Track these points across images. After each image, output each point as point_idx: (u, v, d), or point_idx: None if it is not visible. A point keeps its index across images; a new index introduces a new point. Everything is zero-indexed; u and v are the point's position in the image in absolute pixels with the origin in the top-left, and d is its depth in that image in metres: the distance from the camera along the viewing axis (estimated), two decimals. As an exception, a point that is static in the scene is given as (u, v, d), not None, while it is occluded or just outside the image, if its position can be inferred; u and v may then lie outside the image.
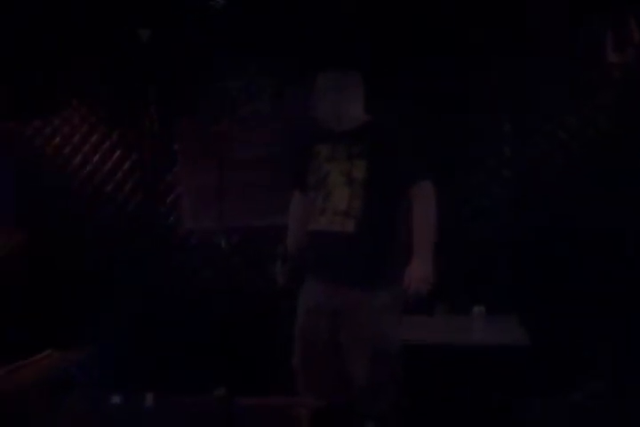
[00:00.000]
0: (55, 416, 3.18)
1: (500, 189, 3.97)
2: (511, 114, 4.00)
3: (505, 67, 3.92)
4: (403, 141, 2.56)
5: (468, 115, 3.97)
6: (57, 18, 4.21)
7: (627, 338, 3.51)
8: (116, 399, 3.26)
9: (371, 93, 2.75)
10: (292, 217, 2.83)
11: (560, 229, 3.78)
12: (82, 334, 4.11)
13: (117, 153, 4.62)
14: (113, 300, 4.36)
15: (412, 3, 3.87)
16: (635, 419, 2.97)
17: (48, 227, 4.55)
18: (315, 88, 2.69)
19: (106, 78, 4.53)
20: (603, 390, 3.33)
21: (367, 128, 2.60)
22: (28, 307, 4.24)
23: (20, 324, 4.05)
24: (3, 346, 3.59)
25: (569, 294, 3.68)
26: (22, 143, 4.62)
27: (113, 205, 4.59)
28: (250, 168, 4.31)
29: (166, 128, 4.53)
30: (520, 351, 3.12)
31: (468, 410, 3.08)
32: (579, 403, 3.28)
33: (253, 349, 4.05)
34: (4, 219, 4.48)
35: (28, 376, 3.43)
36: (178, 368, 4.16)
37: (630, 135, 3.75)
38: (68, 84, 4.58)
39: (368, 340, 2.54)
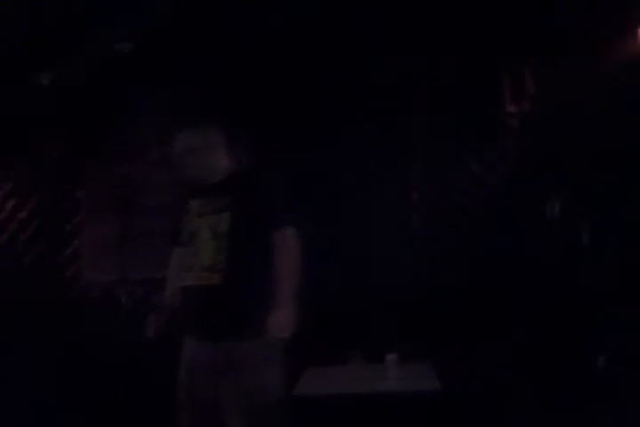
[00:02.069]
0: None
1: (408, 238, 4.02)
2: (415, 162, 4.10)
3: (409, 119, 4.06)
4: (264, 191, 2.58)
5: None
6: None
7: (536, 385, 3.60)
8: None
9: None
10: (171, 272, 2.77)
11: (469, 277, 3.84)
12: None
13: (12, 201, 4.40)
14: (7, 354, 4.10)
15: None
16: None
17: None
18: (174, 149, 2.66)
19: (3, 122, 4.35)
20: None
21: (231, 180, 2.62)
22: None
23: None
24: None
25: (483, 341, 3.74)
26: None
27: (7, 256, 4.34)
28: (154, 216, 4.20)
29: (68, 173, 4.37)
30: (433, 398, 3.11)
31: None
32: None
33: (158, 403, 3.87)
34: None
35: None
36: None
37: (529, 181, 3.91)
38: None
39: (245, 393, 2.46)
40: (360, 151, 4.03)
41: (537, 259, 3.79)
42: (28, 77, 4.18)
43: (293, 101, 4.07)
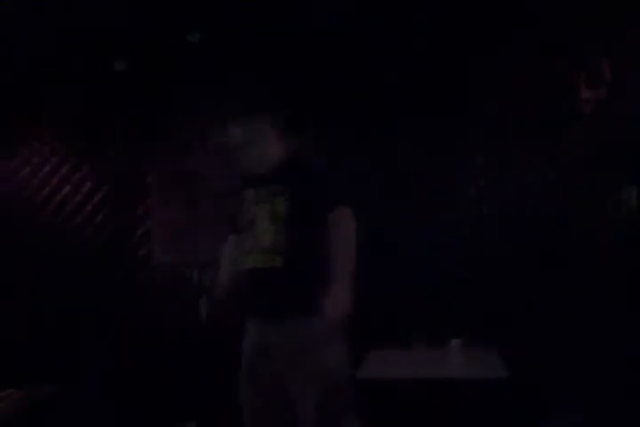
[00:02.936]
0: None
1: (473, 224, 3.97)
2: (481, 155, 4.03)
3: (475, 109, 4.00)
4: (317, 175, 2.60)
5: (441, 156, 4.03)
6: (30, 48, 4.20)
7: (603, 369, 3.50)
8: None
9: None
10: (225, 258, 2.80)
11: (541, 264, 3.76)
12: (47, 372, 4.01)
13: (88, 185, 4.56)
14: (80, 334, 4.25)
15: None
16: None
17: (16, 257, 4.47)
18: (229, 139, 2.69)
19: (78, 110, 4.50)
20: (580, 423, 3.30)
21: (284, 167, 2.64)
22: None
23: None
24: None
25: (549, 326, 3.67)
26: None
27: (83, 237, 4.50)
28: (223, 201, 4.27)
29: (139, 160, 4.50)
30: (498, 384, 3.06)
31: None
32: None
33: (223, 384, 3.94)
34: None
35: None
36: (148, 403, 4.05)
37: (600, 170, 3.79)
38: (40, 115, 4.57)
39: (316, 370, 2.46)
40: (422, 142, 4.02)
41: (613, 244, 3.68)
42: (103, 65, 4.31)
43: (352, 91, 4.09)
